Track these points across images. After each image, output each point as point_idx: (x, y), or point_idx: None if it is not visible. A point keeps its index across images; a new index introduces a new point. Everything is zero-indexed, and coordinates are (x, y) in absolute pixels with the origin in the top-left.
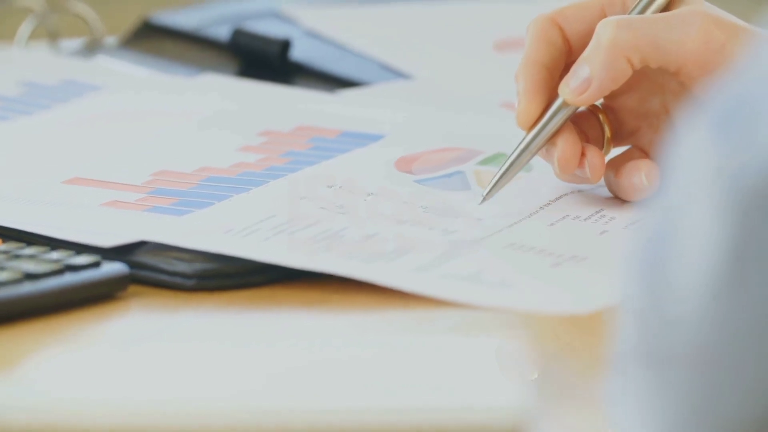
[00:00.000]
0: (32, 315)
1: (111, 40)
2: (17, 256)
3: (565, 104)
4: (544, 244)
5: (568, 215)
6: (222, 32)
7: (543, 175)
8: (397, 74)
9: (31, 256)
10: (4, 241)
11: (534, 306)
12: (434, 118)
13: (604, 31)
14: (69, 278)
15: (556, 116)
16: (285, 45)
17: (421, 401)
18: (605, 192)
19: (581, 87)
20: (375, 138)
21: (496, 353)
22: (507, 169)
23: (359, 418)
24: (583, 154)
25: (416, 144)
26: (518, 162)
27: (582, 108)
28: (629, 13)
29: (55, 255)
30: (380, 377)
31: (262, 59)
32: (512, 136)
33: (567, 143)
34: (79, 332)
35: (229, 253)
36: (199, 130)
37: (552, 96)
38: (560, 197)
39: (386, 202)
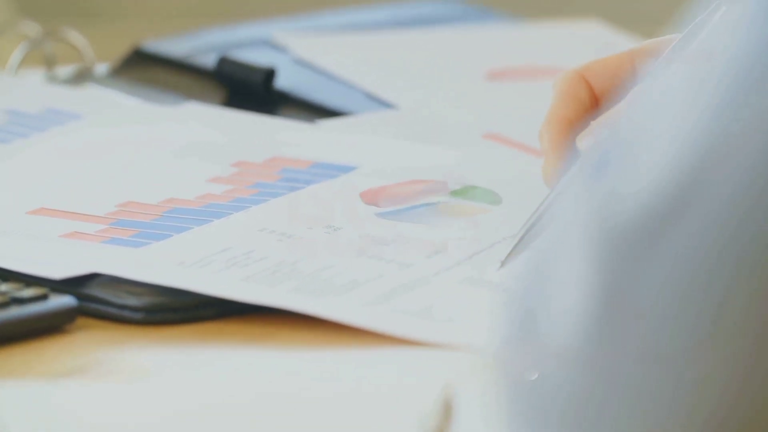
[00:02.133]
0: None
1: (102, 67)
2: None
3: None
4: (500, 278)
5: None
6: (210, 60)
7: (511, 208)
8: (382, 104)
9: None
10: None
11: (480, 342)
12: (409, 149)
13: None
14: (15, 311)
15: None
16: (269, 74)
17: None
18: None
19: None
20: (347, 169)
21: (419, 390)
22: (526, 234)
23: None
24: None
25: (388, 176)
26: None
27: None
28: None
29: (4, 287)
30: (328, 413)
31: (247, 88)
32: (490, 168)
33: None
34: (24, 364)
35: (178, 286)
36: (172, 160)
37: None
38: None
39: (346, 235)
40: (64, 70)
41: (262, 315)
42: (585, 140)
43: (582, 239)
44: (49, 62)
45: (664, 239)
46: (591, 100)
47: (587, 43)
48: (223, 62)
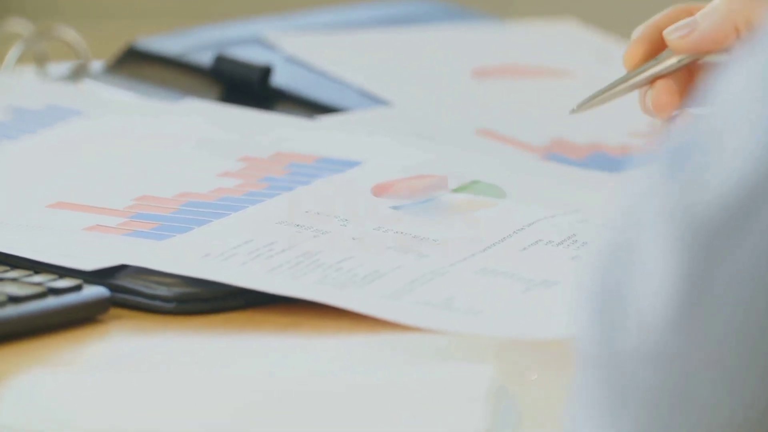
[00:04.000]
0: (14, 337)
1: (97, 65)
2: (0, 279)
3: (669, 55)
4: (516, 269)
5: (540, 240)
6: (204, 58)
7: (517, 202)
8: (376, 101)
9: (14, 280)
10: None
11: (503, 332)
12: (410, 145)
13: None
14: (51, 301)
15: (659, 64)
16: (266, 71)
17: (388, 428)
18: (578, 217)
19: (685, 33)
20: (352, 164)
21: (466, 380)
22: (601, 94)
23: None
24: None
25: (392, 171)
26: (613, 92)
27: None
28: None
29: (38, 278)
30: (353, 404)
31: (244, 85)
32: (486, 164)
33: (662, 89)
34: (61, 355)
35: (207, 278)
36: (180, 154)
37: (658, 51)
38: (533, 223)
39: (362, 228)
40: (60, 68)
41: (288, 305)
42: (672, 29)
43: (666, 226)
44: (40, 60)
45: (747, 228)
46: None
47: (565, 42)
48: (220, 60)
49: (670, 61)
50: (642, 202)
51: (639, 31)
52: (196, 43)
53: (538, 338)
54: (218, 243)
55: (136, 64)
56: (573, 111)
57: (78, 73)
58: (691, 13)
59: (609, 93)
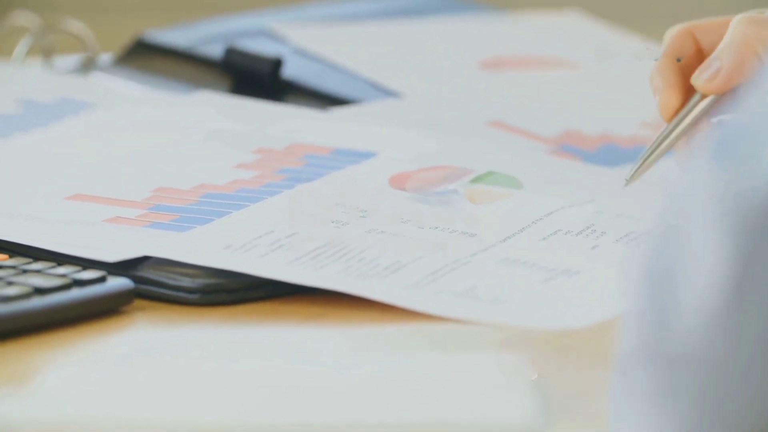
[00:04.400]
0: (40, 329)
1: (105, 57)
2: (24, 271)
3: (701, 98)
4: (537, 259)
5: (559, 230)
6: (214, 50)
7: (534, 192)
8: (386, 92)
9: (38, 271)
10: (10, 256)
11: (528, 322)
12: (423, 136)
13: (736, 27)
14: (76, 293)
15: (695, 109)
16: (277, 63)
17: (423, 417)
18: (594, 207)
19: (711, 76)
20: (367, 156)
21: (498, 368)
22: (649, 156)
23: None
24: None
25: (407, 162)
26: (660, 149)
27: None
28: None
29: (62, 270)
30: (382, 393)
31: (254, 77)
32: (500, 155)
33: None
34: (86, 346)
35: (230, 269)
36: (195, 146)
37: (687, 93)
38: (551, 213)
39: (382, 219)
40: (68, 60)
41: (311, 296)
42: (699, 75)
43: (716, 212)
44: (47, 53)
45: None
46: (696, 52)
47: (569, 32)
48: (231, 52)
49: (704, 104)
50: (692, 189)
51: (662, 77)
52: (204, 36)
53: (563, 328)
54: (239, 234)
55: (144, 56)
56: (627, 182)
57: (87, 66)
58: (693, 35)
59: (657, 153)
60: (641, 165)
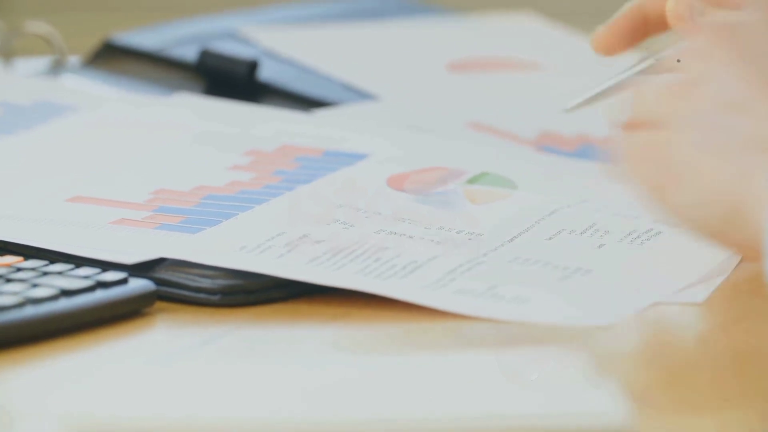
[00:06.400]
0: (67, 331)
1: (73, 59)
2: (45, 273)
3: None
4: (548, 258)
5: (563, 229)
6: (186, 53)
7: (530, 192)
8: (361, 94)
9: (59, 273)
10: (25, 258)
11: (554, 319)
12: (411, 138)
13: None
14: (101, 294)
15: (650, 58)
16: (253, 65)
17: (480, 413)
18: (592, 207)
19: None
20: (359, 157)
21: (560, 364)
22: (597, 93)
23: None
24: None
25: (401, 163)
26: (607, 90)
27: None
28: None
29: (83, 272)
30: (428, 389)
31: (230, 79)
32: (488, 155)
33: (611, 31)
34: (114, 348)
35: (253, 270)
36: (186, 147)
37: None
38: (552, 212)
39: (386, 220)
40: (33, 63)
41: (330, 296)
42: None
43: None
44: (7, 55)
45: None
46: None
47: (525, 34)
48: (206, 54)
49: (661, 54)
50: None
51: (620, 14)
52: (173, 38)
53: (590, 324)
54: (251, 235)
55: (114, 58)
56: (567, 110)
57: (56, 69)
58: (645, 10)
59: (602, 92)
60: (586, 101)
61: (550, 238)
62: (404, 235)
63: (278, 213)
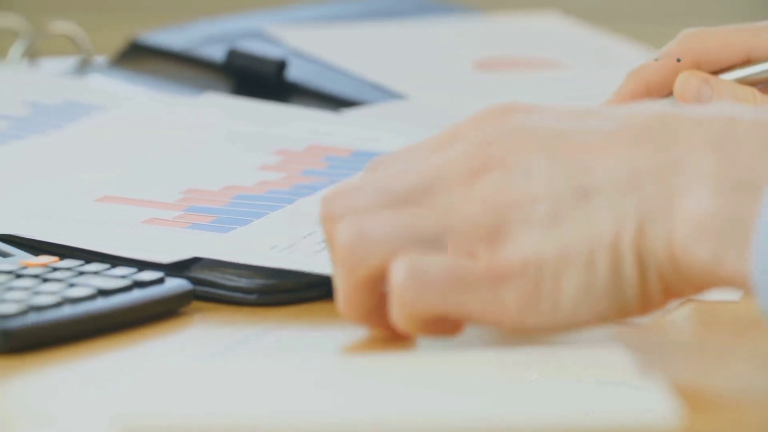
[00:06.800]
0: (105, 331)
1: (100, 59)
2: (81, 273)
3: None
4: None
5: None
6: (213, 52)
7: None
8: (389, 94)
9: (96, 273)
10: (60, 258)
11: None
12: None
13: None
14: (138, 294)
15: None
16: (281, 65)
17: (533, 411)
18: None
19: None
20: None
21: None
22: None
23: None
24: None
25: None
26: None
27: None
28: None
29: (119, 271)
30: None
31: (258, 79)
32: None
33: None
34: (151, 347)
35: (288, 268)
36: (215, 147)
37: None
38: None
39: None
40: (59, 63)
41: None
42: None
43: None
44: (32, 55)
45: None
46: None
47: (549, 33)
48: (234, 54)
49: None
50: None
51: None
52: (199, 38)
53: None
54: (282, 235)
55: (140, 58)
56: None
57: (82, 69)
58: (646, 80)
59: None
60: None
61: None
62: None
63: (307, 212)
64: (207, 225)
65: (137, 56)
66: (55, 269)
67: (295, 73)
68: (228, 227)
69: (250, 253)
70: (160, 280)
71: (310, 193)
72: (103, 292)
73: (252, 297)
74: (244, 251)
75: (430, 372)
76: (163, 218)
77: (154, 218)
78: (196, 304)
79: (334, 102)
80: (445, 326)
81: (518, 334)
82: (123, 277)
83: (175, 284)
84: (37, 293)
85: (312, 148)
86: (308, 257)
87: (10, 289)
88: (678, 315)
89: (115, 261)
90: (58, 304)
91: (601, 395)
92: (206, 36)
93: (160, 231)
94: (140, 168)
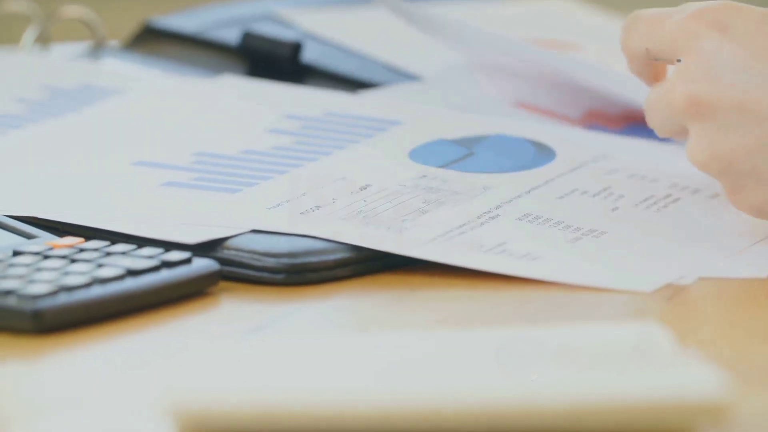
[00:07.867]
0: (134, 311)
1: (113, 43)
2: (108, 254)
3: None
4: (559, 217)
5: (576, 189)
6: (227, 35)
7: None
8: (405, 75)
9: (123, 253)
10: (86, 239)
11: (562, 278)
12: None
13: None
14: (165, 274)
15: None
16: (296, 47)
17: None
18: (609, 166)
19: None
20: (394, 123)
21: (648, 340)
22: None
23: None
24: None
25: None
26: None
27: None
28: None
29: (146, 252)
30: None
31: (273, 62)
32: (528, 130)
33: None
34: (181, 327)
35: (317, 236)
36: (236, 123)
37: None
38: (563, 174)
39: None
40: (71, 47)
41: (392, 273)
42: None
43: None
44: (45, 40)
45: None
46: None
47: (560, 17)
48: (249, 37)
49: None
50: None
51: None
52: (212, 21)
53: (596, 285)
54: (305, 199)
55: (154, 42)
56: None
57: (95, 53)
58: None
59: None
60: None
61: (561, 198)
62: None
63: (316, 176)
64: (221, 187)
65: (150, 40)
66: (82, 250)
67: (309, 55)
68: (236, 189)
69: (265, 217)
70: (188, 260)
71: (330, 153)
72: (132, 272)
73: (279, 277)
74: (266, 220)
75: (462, 349)
76: (179, 180)
77: (171, 181)
78: (223, 284)
79: (350, 84)
80: None
81: None
82: (150, 257)
83: (202, 264)
84: (67, 273)
85: (329, 115)
86: (339, 222)
87: (39, 269)
88: (702, 292)
89: (141, 242)
90: (88, 285)
91: (650, 372)
92: (219, 19)
93: (176, 194)
94: (158, 141)
